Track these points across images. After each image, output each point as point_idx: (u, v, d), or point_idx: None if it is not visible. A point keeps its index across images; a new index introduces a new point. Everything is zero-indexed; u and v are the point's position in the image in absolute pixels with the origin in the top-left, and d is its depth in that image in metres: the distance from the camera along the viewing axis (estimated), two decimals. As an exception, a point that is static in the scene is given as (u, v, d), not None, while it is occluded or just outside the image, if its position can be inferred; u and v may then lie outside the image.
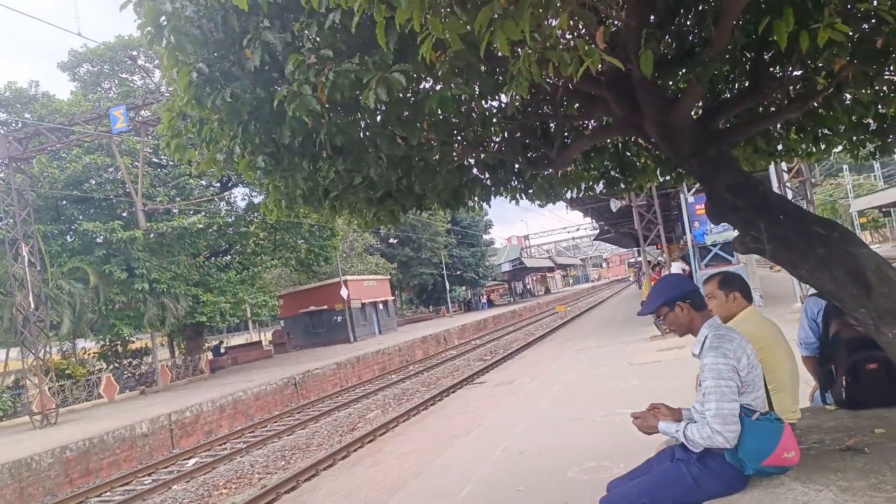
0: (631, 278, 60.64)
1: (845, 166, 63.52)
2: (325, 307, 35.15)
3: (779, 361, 3.34)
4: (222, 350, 33.45)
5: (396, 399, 17.90)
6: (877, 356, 3.66)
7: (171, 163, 23.75)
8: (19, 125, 21.66)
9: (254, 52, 3.21)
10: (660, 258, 19.13)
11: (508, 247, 72.21)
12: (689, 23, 4.01)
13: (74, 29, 26.53)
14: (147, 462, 14.32)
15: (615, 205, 18.65)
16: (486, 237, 60.39)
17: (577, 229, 66.83)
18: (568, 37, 3.20)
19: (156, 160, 24.96)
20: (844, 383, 3.90)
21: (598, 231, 37.56)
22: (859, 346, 3.77)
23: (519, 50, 2.46)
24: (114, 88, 26.73)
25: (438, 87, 3.31)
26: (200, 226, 23.57)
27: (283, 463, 12.35)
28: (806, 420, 3.79)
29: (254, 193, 27.57)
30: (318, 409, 17.79)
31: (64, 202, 23.14)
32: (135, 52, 25.93)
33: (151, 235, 22.64)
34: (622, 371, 10.12)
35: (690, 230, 17.62)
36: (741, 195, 3.84)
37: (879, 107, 5.04)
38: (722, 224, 4.14)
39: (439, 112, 3.60)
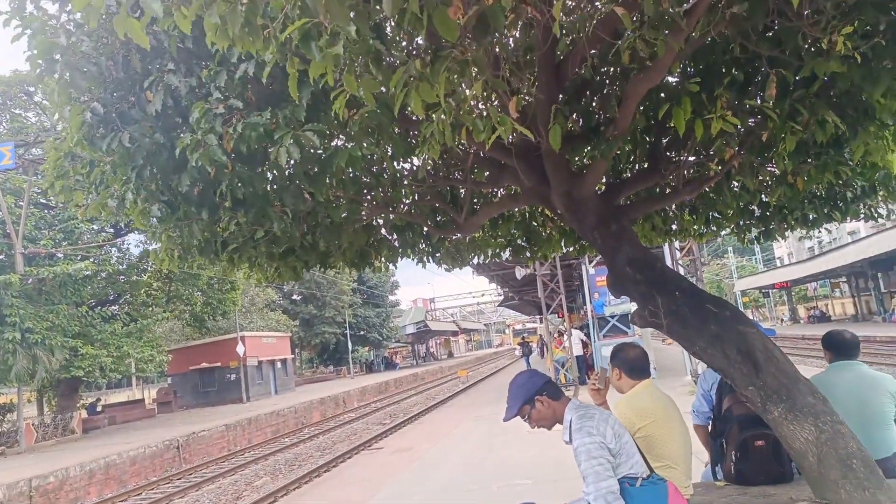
0: (517, 352, 44.83)
1: (730, 248, 68.69)
2: (219, 364, 33.32)
3: (671, 436, 3.38)
4: (99, 408, 30.72)
5: (288, 465, 16.96)
6: (765, 434, 3.78)
7: (61, 204, 22.22)
8: None
9: (155, 94, 3.05)
10: (560, 327, 19.61)
11: (414, 309, 72.04)
12: (595, 103, 4.21)
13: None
14: (-3, 535, 12.71)
15: (520, 273, 19.09)
16: (391, 298, 60.11)
17: (483, 294, 67.86)
18: (482, 106, 3.26)
19: (44, 201, 23.30)
20: (734, 458, 4.00)
21: (502, 297, 38.21)
22: (750, 424, 3.88)
23: (433, 114, 2.45)
24: (3, 123, 25.00)
25: (349, 146, 3.25)
26: (87, 272, 21.97)
27: (156, 536, 11.29)
28: (698, 496, 3.84)
29: (149, 242, 26.17)
30: (201, 476, 16.54)
31: (-73, 240, 21.03)
32: (32, 89, 24.43)
33: (30, 281, 20.86)
34: (521, 439, 10.07)
35: (591, 301, 18.23)
36: (640, 270, 3.98)
37: (763, 196, 5.47)
38: (621, 296, 4.24)
39: (349, 170, 3.55)
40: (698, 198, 5.51)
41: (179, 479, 16.64)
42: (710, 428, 4.28)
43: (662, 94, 3.92)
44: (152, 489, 15.70)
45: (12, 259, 19.70)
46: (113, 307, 27.28)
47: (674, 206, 6.07)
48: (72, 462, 15.76)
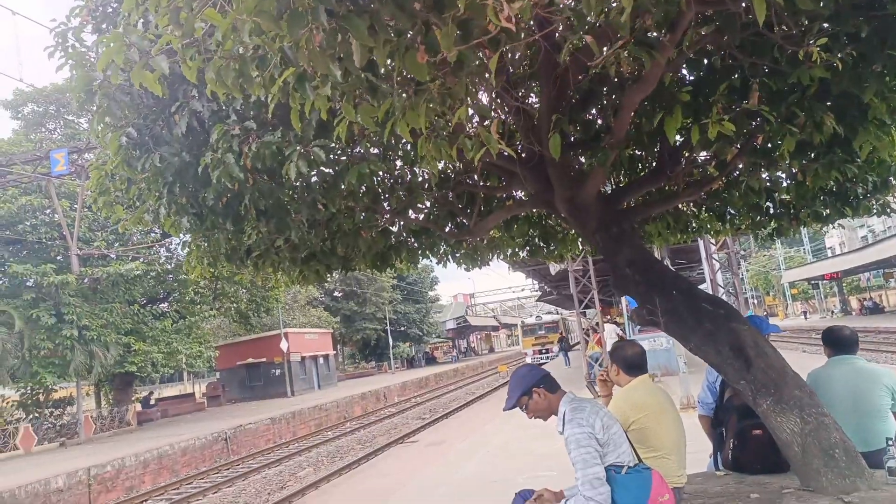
0: (527, 355, 38.18)
1: (778, 240, 66.92)
2: (264, 360, 34.32)
3: (664, 428, 3.57)
4: (152, 401, 32.08)
5: (330, 456, 17.51)
6: (762, 423, 3.94)
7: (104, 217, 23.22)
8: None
9: (181, 118, 3.38)
10: (594, 322, 19.64)
11: (454, 304, 72.49)
12: (594, 112, 4.40)
13: (17, 74, 26.10)
14: (59, 521, 13.54)
15: (554, 268, 19.19)
16: (431, 294, 60.59)
17: (522, 289, 67.69)
18: (473, 125, 3.51)
19: (96, 204, 24.44)
20: (732, 447, 4.17)
21: (540, 293, 38.29)
22: (748, 413, 4.03)
23: (419, 139, 2.71)
24: (59, 129, 26.28)
25: (358, 164, 3.52)
26: (138, 272, 22.97)
27: (204, 523, 11.89)
28: (695, 485, 4.02)
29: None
30: (247, 466, 17.22)
31: (-7, 243, 22.32)
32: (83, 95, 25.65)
33: (85, 281, 21.94)
34: (551, 433, 10.24)
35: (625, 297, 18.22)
36: (640, 271, 4.17)
37: (776, 193, 5.56)
38: (623, 296, 4.44)
39: (361, 186, 3.84)
40: (712, 196, 5.64)
41: (227, 469, 17.35)
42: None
43: (657, 104, 4.08)
44: (202, 478, 16.43)
45: (68, 260, 20.81)
46: (163, 305, 28.40)
47: (690, 205, 6.20)
48: (127, 452, 16.61)
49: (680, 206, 6.02)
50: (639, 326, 18.10)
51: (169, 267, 25.41)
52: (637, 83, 3.58)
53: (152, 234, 26.03)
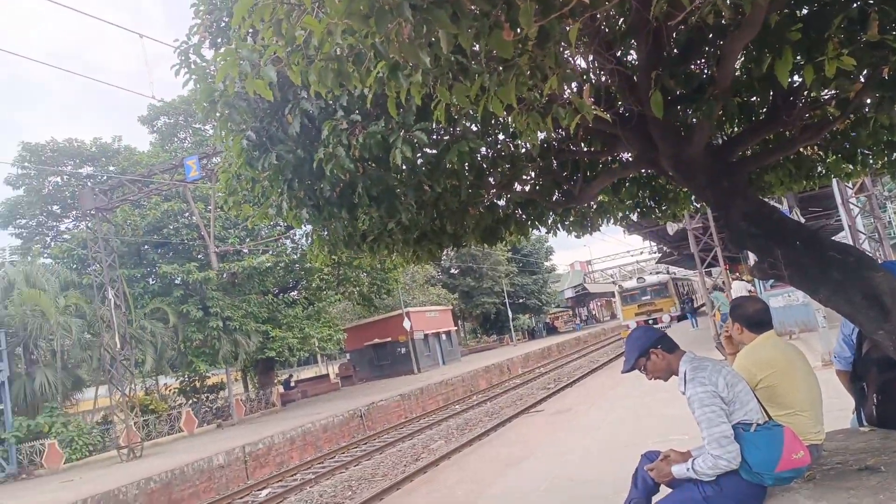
0: (628, 329, 28.52)
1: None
2: (389, 339, 35.74)
3: (794, 385, 3.44)
4: (292, 384, 34.50)
5: (459, 429, 18.07)
6: (906, 374, 3.70)
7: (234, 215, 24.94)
8: (105, 178, 23.40)
9: (294, 118, 3.65)
10: (719, 281, 18.72)
11: (571, 272, 71.55)
12: (695, 63, 4.23)
13: (153, 90, 28.40)
14: (224, 493, 14.97)
15: (672, 228, 18.44)
16: (547, 264, 60.08)
17: (641, 252, 65.35)
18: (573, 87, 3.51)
19: (226, 204, 26.35)
20: (875, 401, 3.93)
21: (659, 254, 36.83)
22: (890, 365, 3.80)
23: (512, 114, 2.77)
24: (188, 138, 28.54)
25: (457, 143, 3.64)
26: (268, 264, 24.62)
27: (349, 493, 12.71)
28: (836, 442, 3.84)
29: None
30: (383, 440, 18.16)
31: (145, 247, 24.73)
32: (207, 105, 27.63)
33: (224, 275, 23.84)
34: (680, 397, 10.02)
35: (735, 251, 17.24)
36: (756, 223, 3.99)
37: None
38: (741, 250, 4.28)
39: (464, 164, 3.96)
40: (838, 137, 5.25)
41: (365, 443, 18.38)
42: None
43: (764, 46, 3.86)
44: (343, 452, 17.53)
45: (208, 258, 22.63)
46: (293, 293, 30.27)
47: (814, 149, 5.79)
48: (275, 431, 18.04)
49: (801, 151, 5.65)
50: (770, 282, 17.08)
51: (294, 257, 27.02)
52: (739, 28, 3.42)
53: (277, 228, 27.73)
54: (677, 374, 3.30)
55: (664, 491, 3.46)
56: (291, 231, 28.72)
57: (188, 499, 14.55)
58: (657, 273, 37.53)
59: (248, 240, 25.11)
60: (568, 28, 2.41)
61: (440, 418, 20.52)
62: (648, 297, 32.26)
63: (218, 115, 3.69)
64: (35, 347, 20.58)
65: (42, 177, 25.34)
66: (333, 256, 4.80)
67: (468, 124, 3.98)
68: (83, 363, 20.94)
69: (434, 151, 3.79)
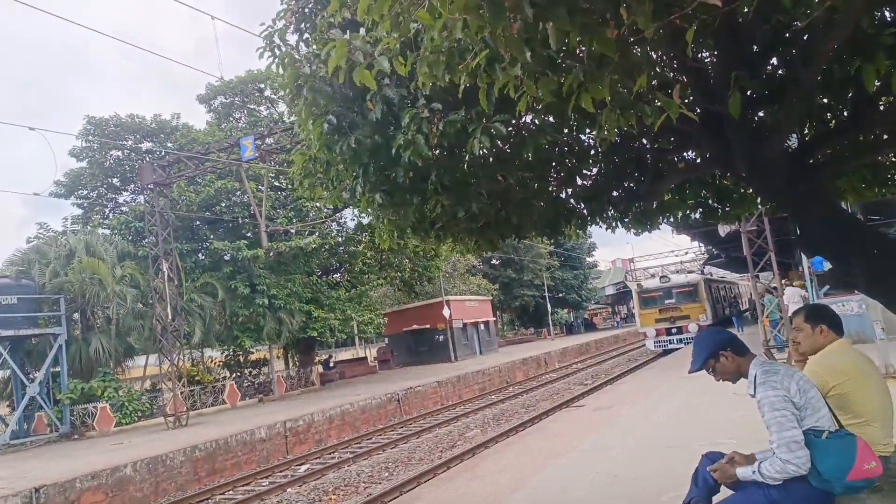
0: (651, 342, 27.64)
1: None
2: (428, 326, 35.99)
3: (866, 394, 3.39)
4: (331, 364, 35.10)
5: (496, 419, 18.16)
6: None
7: (289, 186, 25.46)
8: (163, 154, 24.09)
9: (376, 104, 3.73)
10: (773, 286, 18.28)
11: (612, 269, 70.60)
12: (777, 64, 4.16)
13: (216, 70, 29.02)
14: (264, 465, 15.40)
15: (724, 230, 18.08)
16: (589, 260, 59.55)
17: (686, 252, 64.07)
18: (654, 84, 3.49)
19: (277, 184, 26.89)
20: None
21: (706, 256, 36.02)
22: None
23: (601, 111, 2.79)
24: (243, 118, 29.11)
25: (534, 135, 3.68)
26: (314, 246, 25.04)
27: (386, 474, 12.94)
28: (904, 454, 3.76)
29: (362, 215, 28.85)
30: (419, 425, 18.37)
31: (198, 223, 25.42)
32: (262, 85, 28.17)
33: (272, 254, 24.36)
34: (726, 401, 9.86)
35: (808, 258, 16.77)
36: (833, 230, 3.93)
37: None
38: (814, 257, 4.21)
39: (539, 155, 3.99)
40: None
41: (401, 427, 18.64)
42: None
43: (853, 49, 3.77)
44: (380, 434, 17.82)
45: (257, 236, 23.13)
46: (336, 275, 30.73)
47: (891, 157, 5.63)
48: (315, 409, 18.43)
49: (879, 157, 5.50)
50: (824, 289, 16.62)
51: (339, 240, 27.41)
52: (831, 28, 3.36)
53: (325, 210, 28.17)
54: (746, 377, 3.29)
55: (724, 492, 3.47)
56: (338, 213, 29.15)
57: (230, 468, 15.02)
58: (687, 272, 32.15)
59: (295, 220, 25.57)
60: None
61: (476, 407, 20.65)
62: (673, 300, 27.31)
63: (304, 98, 3.79)
64: (92, 314, 21.43)
65: (104, 150, 26.19)
66: (400, 241, 4.91)
67: (543, 117, 4.01)
68: (135, 332, 21.70)
69: (508, 143, 3.83)
